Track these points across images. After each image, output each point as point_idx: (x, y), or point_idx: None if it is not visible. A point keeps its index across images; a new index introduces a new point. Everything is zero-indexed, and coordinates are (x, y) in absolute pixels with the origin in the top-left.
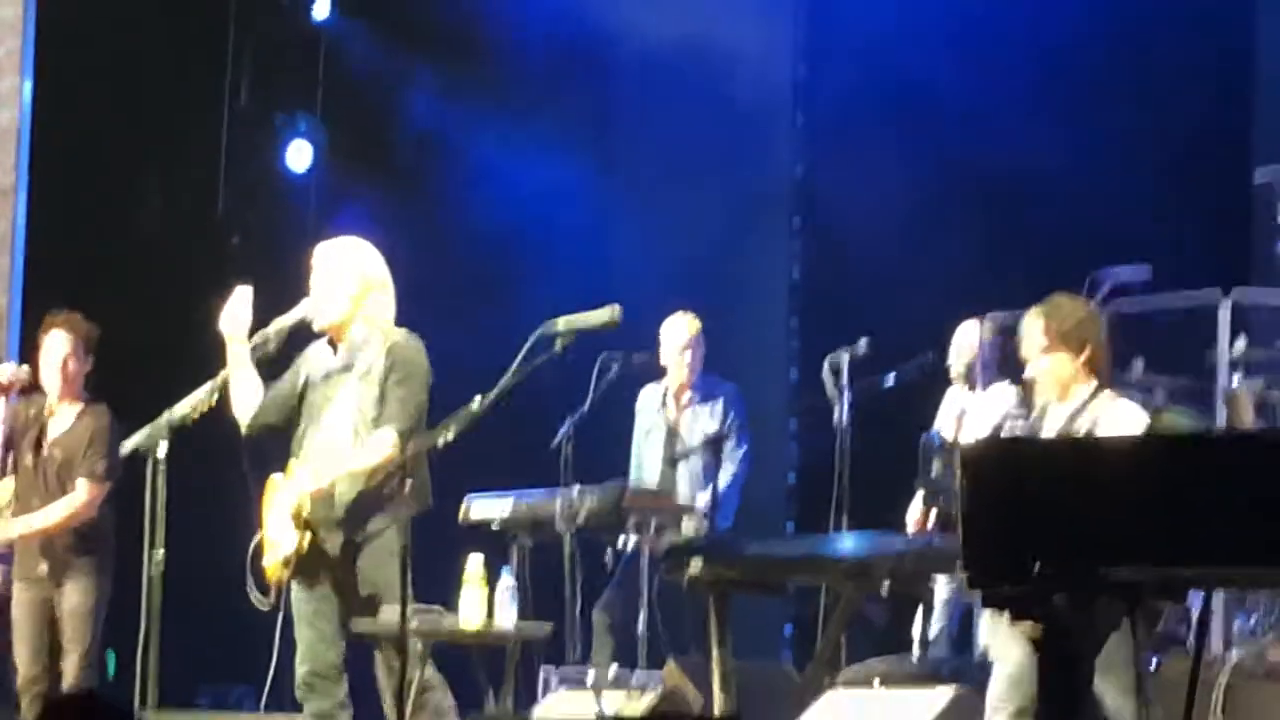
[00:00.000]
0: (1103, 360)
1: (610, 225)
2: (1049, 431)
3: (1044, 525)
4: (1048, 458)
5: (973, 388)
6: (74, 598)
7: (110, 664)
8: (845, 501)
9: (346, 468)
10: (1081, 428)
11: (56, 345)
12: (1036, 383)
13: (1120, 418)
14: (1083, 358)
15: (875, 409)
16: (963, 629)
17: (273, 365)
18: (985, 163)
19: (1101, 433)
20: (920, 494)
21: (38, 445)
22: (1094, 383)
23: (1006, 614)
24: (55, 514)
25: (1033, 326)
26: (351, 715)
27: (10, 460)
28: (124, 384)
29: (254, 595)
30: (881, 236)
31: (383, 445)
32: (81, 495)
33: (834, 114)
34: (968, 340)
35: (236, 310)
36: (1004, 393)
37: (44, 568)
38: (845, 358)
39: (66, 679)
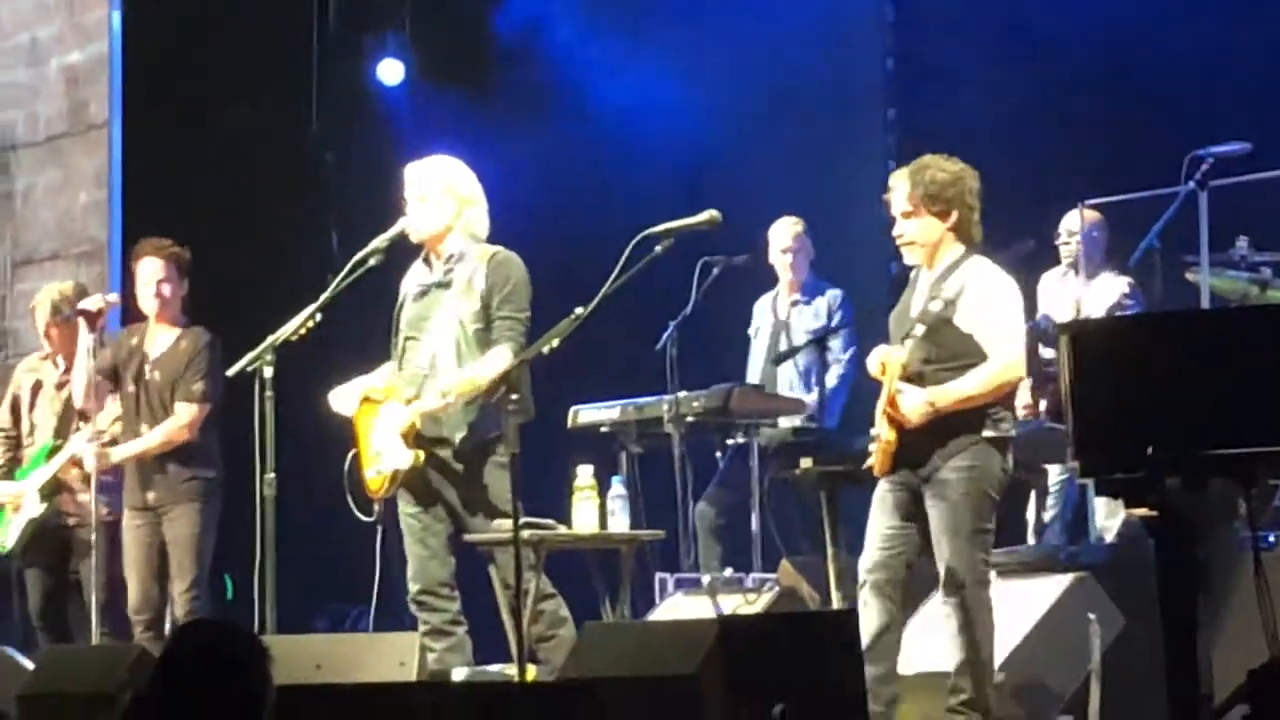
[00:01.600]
0: (971, 223)
1: (705, 130)
2: (918, 300)
3: (1155, 407)
4: (1156, 337)
5: (1080, 274)
6: (181, 526)
7: (228, 589)
8: None
9: (462, 386)
10: (949, 292)
11: (148, 271)
12: (902, 247)
13: (988, 282)
14: (950, 222)
15: None
16: (1076, 515)
17: (374, 281)
18: (1080, 45)
19: (969, 299)
20: (1028, 381)
21: (140, 372)
22: (961, 247)
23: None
24: (154, 437)
25: (899, 189)
26: (466, 630)
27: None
28: (224, 309)
29: (356, 511)
30: (976, 125)
31: (498, 362)
32: (181, 418)
33: (924, 3)
34: (1070, 226)
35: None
36: (1113, 282)
37: (151, 496)
38: None
39: (176, 608)
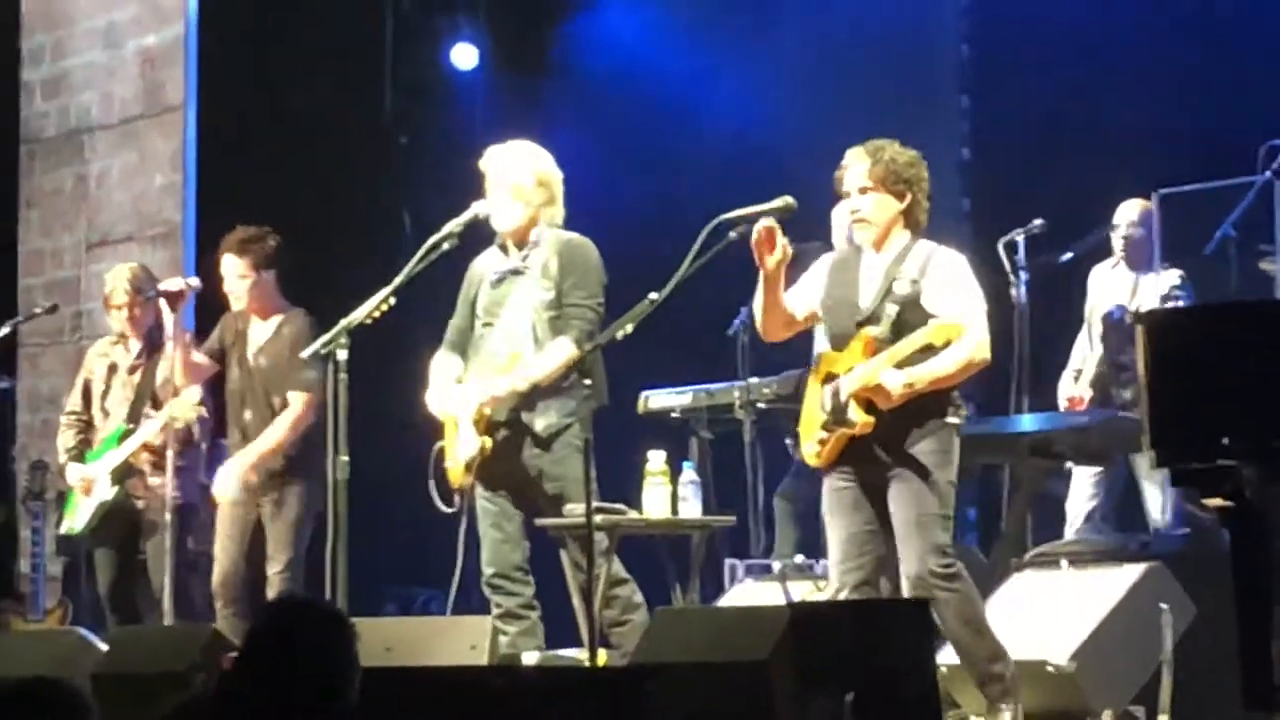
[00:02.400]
0: (921, 209)
1: (778, 116)
2: (868, 284)
3: (1231, 397)
4: (1233, 326)
5: (1132, 267)
6: (284, 508)
7: None
8: (1025, 381)
9: (529, 375)
10: (910, 272)
11: (228, 268)
12: (854, 225)
13: (950, 264)
14: (904, 203)
15: (1052, 288)
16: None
17: (448, 264)
18: (1156, 35)
19: (932, 280)
20: (1069, 372)
21: (243, 357)
22: (909, 233)
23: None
24: (278, 432)
25: (854, 166)
26: (539, 614)
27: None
28: (297, 292)
29: (438, 503)
30: (1051, 113)
31: (563, 351)
32: (296, 407)
33: None
34: (1126, 217)
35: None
36: (1164, 275)
37: (252, 478)
38: (1021, 237)
39: (269, 588)
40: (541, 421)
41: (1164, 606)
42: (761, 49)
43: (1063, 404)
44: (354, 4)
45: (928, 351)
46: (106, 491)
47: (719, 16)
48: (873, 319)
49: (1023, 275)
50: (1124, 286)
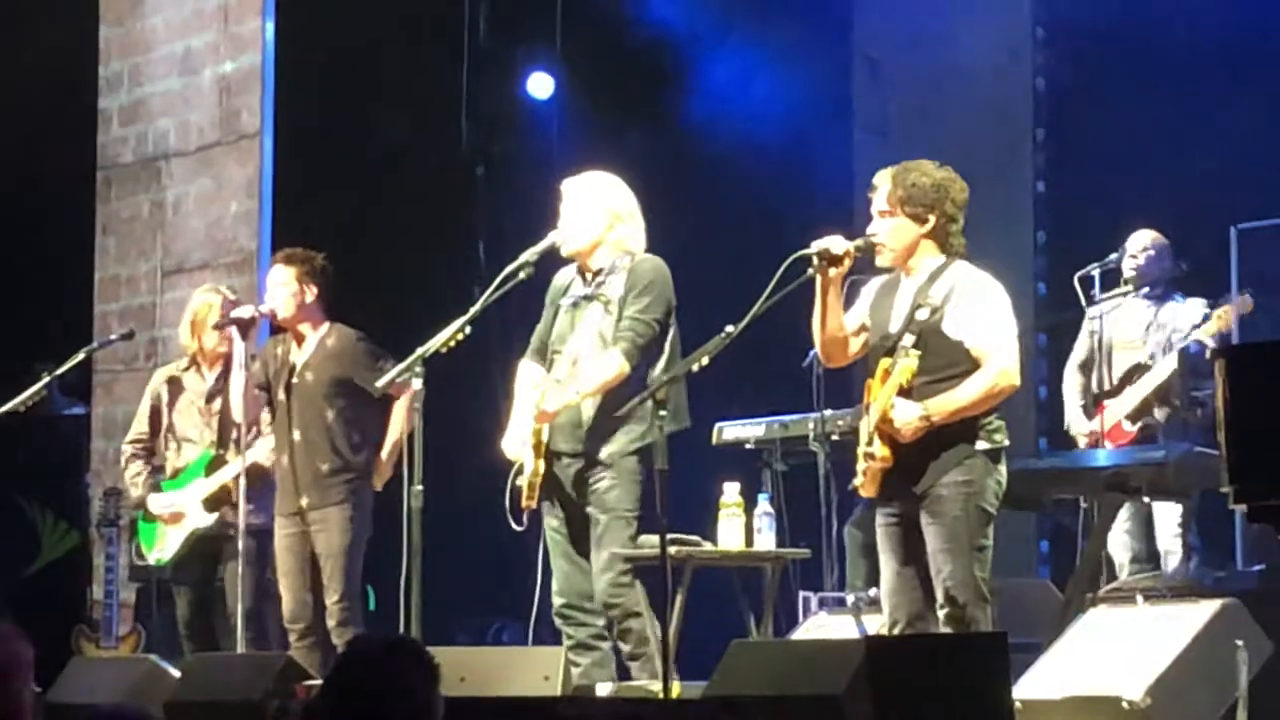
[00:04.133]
0: (951, 232)
1: (857, 151)
2: (899, 309)
3: None
4: None
5: (1140, 292)
6: (332, 536)
7: (370, 599)
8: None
9: (577, 389)
10: (935, 298)
11: (276, 277)
12: (876, 249)
13: (976, 286)
14: (925, 228)
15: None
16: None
17: (524, 293)
18: (1235, 68)
19: (956, 305)
20: (1074, 406)
21: (289, 379)
22: (941, 255)
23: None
24: (396, 428)
25: (881, 188)
26: (611, 645)
27: (268, 401)
28: (372, 320)
29: (510, 519)
30: (1125, 146)
31: (609, 365)
32: (400, 410)
33: (1075, 23)
34: (1138, 245)
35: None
36: (1192, 305)
37: (305, 500)
38: (1096, 272)
39: (329, 618)
40: (606, 449)
41: (1239, 643)
42: (843, 86)
43: (1082, 441)
44: (431, 34)
45: (953, 379)
46: (201, 520)
47: (802, 55)
48: (892, 349)
49: (1100, 308)
50: (1140, 316)
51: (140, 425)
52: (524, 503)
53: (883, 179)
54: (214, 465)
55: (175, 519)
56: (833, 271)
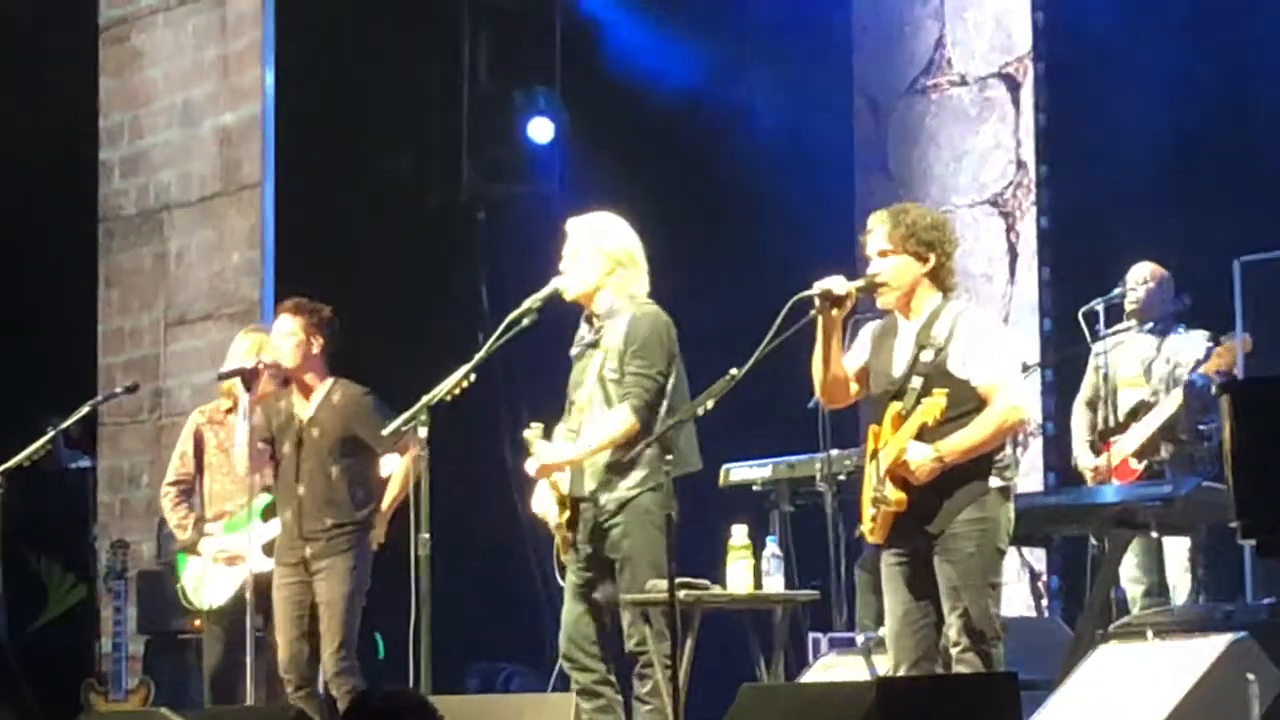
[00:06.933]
0: (947, 271)
1: (861, 192)
2: (901, 352)
3: None
4: None
5: (1143, 326)
6: (334, 585)
7: (379, 647)
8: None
9: (583, 446)
10: (938, 338)
11: (281, 327)
12: (878, 289)
13: (977, 323)
14: (927, 266)
15: None
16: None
17: (528, 339)
18: (1238, 104)
19: (959, 343)
20: (1081, 441)
21: (298, 434)
22: (939, 295)
23: None
24: (396, 484)
25: (877, 230)
26: (618, 690)
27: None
28: (375, 368)
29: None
30: (1129, 183)
31: (617, 423)
32: (399, 470)
33: (1075, 59)
34: (1138, 278)
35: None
36: (1195, 337)
37: (308, 550)
38: (1101, 306)
39: (325, 669)
40: (615, 494)
41: (1251, 677)
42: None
43: (1088, 475)
44: (431, 80)
45: (962, 418)
46: (261, 565)
47: (808, 93)
48: (900, 393)
49: (1104, 344)
50: (1143, 350)
51: (179, 467)
52: (561, 556)
53: (878, 220)
54: (273, 511)
55: (232, 562)
56: (835, 312)
